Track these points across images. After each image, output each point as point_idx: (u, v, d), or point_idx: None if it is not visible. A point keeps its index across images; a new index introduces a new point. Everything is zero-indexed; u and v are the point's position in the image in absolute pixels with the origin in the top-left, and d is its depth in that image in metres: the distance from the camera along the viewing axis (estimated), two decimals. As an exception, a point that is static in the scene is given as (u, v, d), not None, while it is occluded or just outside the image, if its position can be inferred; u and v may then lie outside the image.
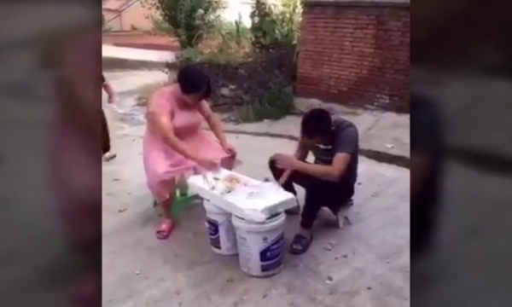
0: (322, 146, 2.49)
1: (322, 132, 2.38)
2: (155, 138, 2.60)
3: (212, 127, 2.90)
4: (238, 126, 5.45)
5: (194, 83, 2.58)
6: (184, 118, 2.62)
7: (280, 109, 5.89)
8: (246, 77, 6.35)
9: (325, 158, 2.49)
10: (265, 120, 5.71)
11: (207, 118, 2.86)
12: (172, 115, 2.54)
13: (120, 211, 3.02)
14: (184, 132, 2.63)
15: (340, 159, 2.33)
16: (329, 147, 2.44)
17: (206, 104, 2.86)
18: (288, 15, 7.39)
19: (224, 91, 6.44)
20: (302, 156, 2.67)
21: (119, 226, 2.79)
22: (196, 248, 2.47)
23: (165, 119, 2.47)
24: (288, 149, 2.69)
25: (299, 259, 2.33)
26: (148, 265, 2.33)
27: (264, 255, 2.14)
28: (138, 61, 11.01)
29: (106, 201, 3.17)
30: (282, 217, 2.17)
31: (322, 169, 2.42)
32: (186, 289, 2.11)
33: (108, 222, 2.83)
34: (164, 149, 2.56)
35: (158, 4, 9.25)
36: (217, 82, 6.42)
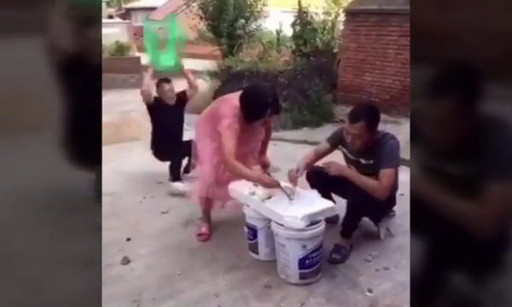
0: (363, 160, 2.37)
1: (366, 119, 2.23)
2: (212, 149, 2.58)
3: (264, 137, 2.85)
4: (277, 133, 5.47)
5: (255, 113, 2.39)
6: (248, 142, 2.56)
7: (319, 117, 5.86)
8: (285, 85, 6.39)
9: (366, 172, 2.35)
10: (304, 128, 5.69)
11: (266, 129, 2.78)
12: (238, 135, 2.38)
13: (163, 212, 3.14)
14: (244, 152, 2.56)
15: (387, 175, 2.22)
16: (371, 161, 2.33)
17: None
18: (329, 24, 7.36)
19: (264, 99, 6.51)
20: (313, 160, 2.57)
21: (162, 228, 2.90)
22: (235, 252, 2.51)
23: (230, 146, 2.33)
24: (326, 158, 2.65)
25: (338, 269, 2.30)
26: (189, 267, 2.39)
27: (302, 263, 2.13)
28: (182, 70, 11.39)
29: (150, 203, 3.34)
30: (321, 226, 2.15)
31: (370, 183, 2.26)
32: (225, 292, 2.15)
33: (152, 223, 2.97)
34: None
35: (202, 15, 9.57)
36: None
